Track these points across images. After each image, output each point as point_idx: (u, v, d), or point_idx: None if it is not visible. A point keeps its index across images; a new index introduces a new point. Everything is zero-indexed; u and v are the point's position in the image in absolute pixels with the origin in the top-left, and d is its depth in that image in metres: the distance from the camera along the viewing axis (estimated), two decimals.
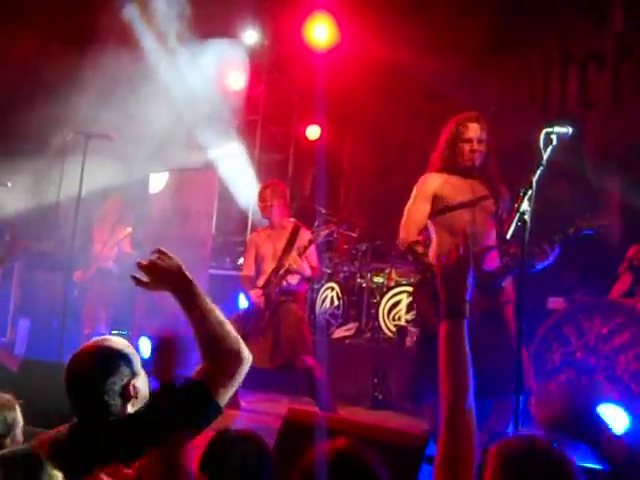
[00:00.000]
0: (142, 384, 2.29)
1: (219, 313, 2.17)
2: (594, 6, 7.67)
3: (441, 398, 1.84)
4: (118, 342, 2.33)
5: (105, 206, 7.43)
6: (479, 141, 4.05)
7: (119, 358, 2.24)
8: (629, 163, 6.93)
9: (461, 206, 4.03)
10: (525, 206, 3.25)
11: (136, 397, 2.25)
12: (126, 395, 2.22)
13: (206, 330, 2.13)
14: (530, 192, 3.28)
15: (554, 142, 3.41)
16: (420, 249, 4.07)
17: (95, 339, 2.34)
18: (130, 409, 2.23)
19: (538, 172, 3.39)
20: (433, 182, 4.14)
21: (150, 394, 2.23)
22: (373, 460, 1.79)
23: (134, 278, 2.21)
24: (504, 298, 3.93)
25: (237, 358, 2.14)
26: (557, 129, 3.44)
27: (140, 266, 2.19)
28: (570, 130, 3.49)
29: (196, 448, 2.08)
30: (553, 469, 1.45)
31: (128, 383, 2.23)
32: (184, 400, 2.02)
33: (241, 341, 2.17)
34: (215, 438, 2.03)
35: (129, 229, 7.20)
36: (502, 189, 4.13)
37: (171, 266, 2.18)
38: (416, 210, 4.16)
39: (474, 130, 4.05)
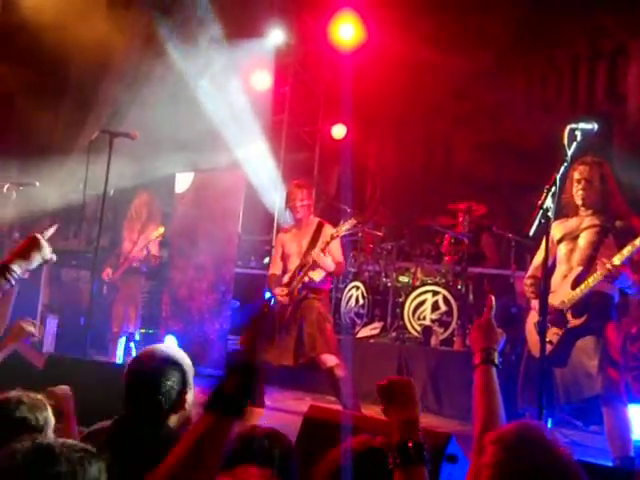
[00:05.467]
0: (190, 399, 2.30)
1: None
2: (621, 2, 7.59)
3: (474, 426, 1.94)
4: (177, 352, 2.35)
5: (135, 204, 7.37)
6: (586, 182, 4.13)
7: (177, 366, 2.27)
8: None
9: (562, 239, 4.20)
10: (548, 203, 3.21)
11: (184, 408, 2.26)
12: (179, 403, 2.24)
13: None
14: (554, 189, 3.24)
15: (578, 139, 3.37)
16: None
17: (156, 345, 2.38)
18: (174, 419, 2.24)
19: (562, 169, 3.36)
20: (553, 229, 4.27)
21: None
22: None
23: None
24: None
25: None
26: (582, 125, 3.41)
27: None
28: (596, 126, 3.45)
29: None
30: (544, 451, 1.49)
31: (182, 392, 2.25)
32: None
33: None
34: (240, 436, 2.01)
35: (161, 229, 7.06)
36: (624, 221, 4.08)
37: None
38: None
39: (580, 172, 4.15)
